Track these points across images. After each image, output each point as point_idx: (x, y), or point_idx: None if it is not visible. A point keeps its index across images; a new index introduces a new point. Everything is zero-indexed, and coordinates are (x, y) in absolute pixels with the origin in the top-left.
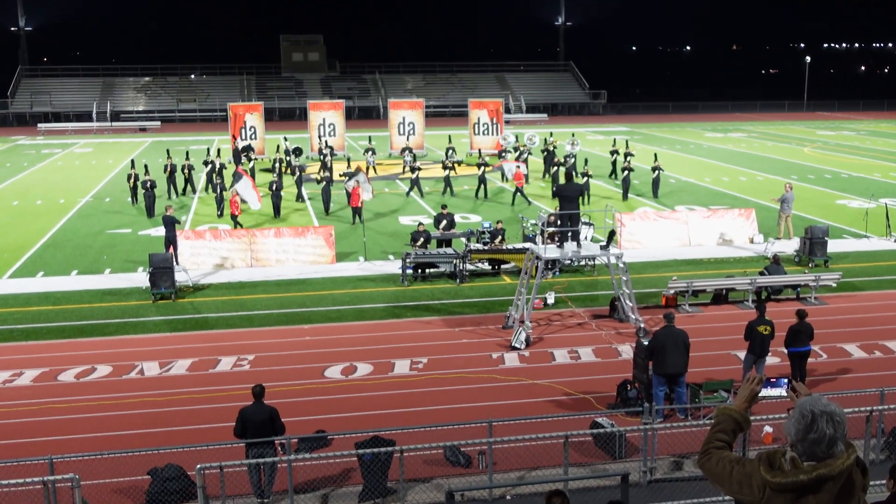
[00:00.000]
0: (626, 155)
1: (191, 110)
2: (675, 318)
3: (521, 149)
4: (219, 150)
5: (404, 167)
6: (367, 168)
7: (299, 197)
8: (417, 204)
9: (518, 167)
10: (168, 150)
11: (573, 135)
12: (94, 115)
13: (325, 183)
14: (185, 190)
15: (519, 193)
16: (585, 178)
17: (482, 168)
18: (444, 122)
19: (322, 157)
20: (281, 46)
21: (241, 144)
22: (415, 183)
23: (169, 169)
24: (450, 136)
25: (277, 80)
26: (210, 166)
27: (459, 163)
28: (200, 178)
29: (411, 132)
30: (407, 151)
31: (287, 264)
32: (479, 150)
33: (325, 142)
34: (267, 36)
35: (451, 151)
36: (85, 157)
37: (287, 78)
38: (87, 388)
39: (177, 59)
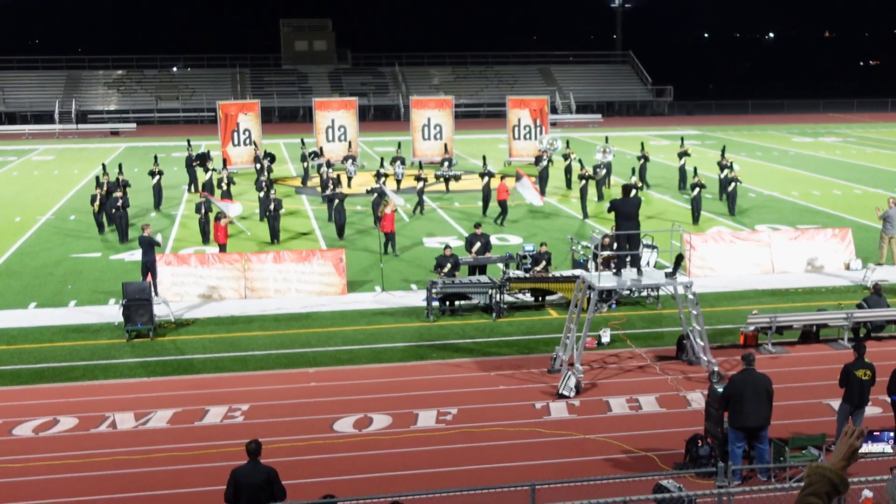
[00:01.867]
0: (716, 168)
1: (173, 110)
2: (755, 361)
3: (542, 156)
4: (224, 162)
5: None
6: (350, 180)
7: (332, 217)
8: (445, 222)
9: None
10: (104, 165)
11: (604, 141)
12: (56, 116)
13: (337, 201)
14: (99, 213)
15: (500, 209)
16: (634, 192)
17: (486, 178)
18: (477, 125)
19: (316, 166)
20: (281, 33)
21: (195, 151)
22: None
23: (106, 187)
24: (445, 146)
25: (277, 74)
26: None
27: (458, 177)
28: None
29: (438, 135)
30: (399, 162)
31: (289, 295)
32: (484, 157)
33: (320, 149)
34: (264, 21)
35: (447, 163)
36: (45, 167)
37: (288, 71)
38: (49, 445)
39: (156, 49)
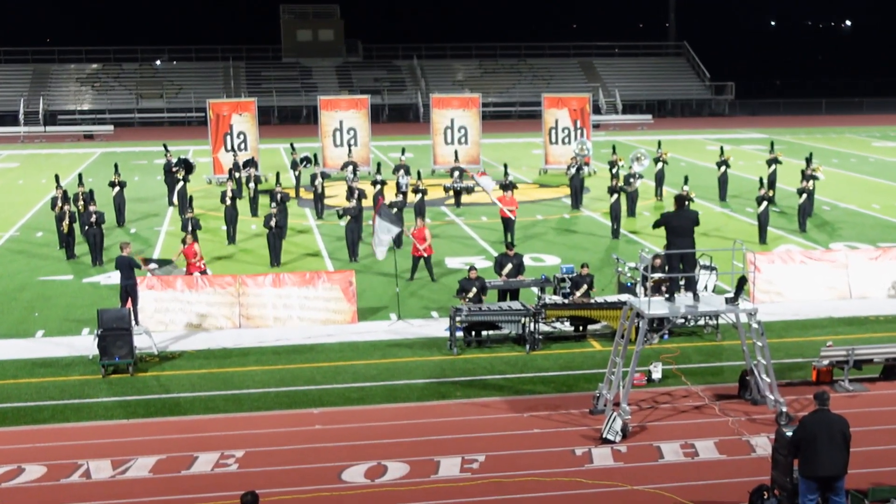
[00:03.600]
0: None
1: (156, 110)
2: (829, 400)
3: (571, 164)
4: (230, 172)
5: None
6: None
7: (356, 252)
8: (470, 239)
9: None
10: (57, 177)
11: (656, 146)
12: (20, 117)
13: (349, 218)
14: (69, 235)
15: (505, 228)
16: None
17: (508, 191)
18: (508, 127)
19: (310, 177)
20: (281, 21)
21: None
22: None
23: (59, 204)
24: (456, 152)
25: (276, 68)
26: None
27: (470, 189)
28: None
29: (462, 139)
30: (403, 171)
31: (290, 324)
32: (505, 166)
33: (314, 155)
34: (261, 7)
35: (457, 173)
36: (8, 175)
37: (290, 65)
38: (12, 497)
39: (136, 39)
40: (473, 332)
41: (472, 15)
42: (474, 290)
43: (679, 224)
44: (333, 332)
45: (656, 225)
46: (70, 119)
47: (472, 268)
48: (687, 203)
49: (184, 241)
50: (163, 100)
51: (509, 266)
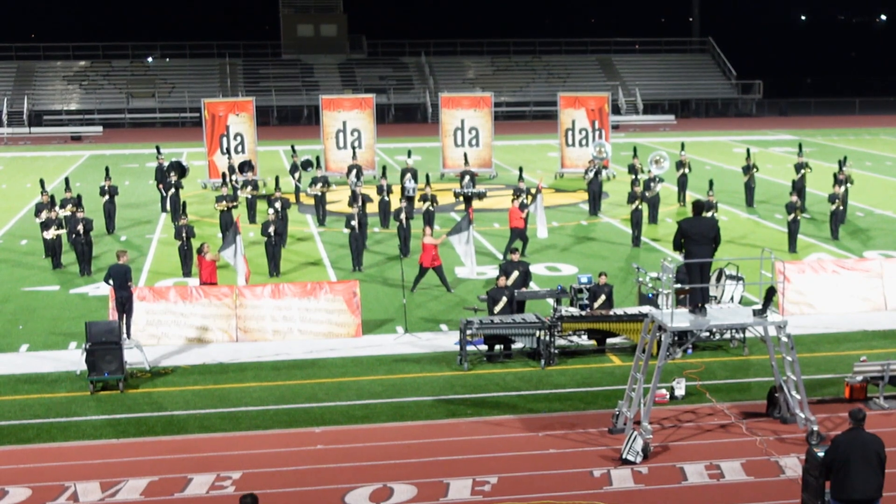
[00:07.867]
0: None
1: (148, 110)
2: (864, 418)
3: (589, 167)
4: (224, 174)
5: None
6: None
7: (360, 261)
8: (480, 247)
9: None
10: (42, 181)
11: (679, 148)
12: (3, 118)
13: (355, 224)
14: (56, 243)
15: (518, 239)
16: (711, 212)
17: (521, 195)
18: (522, 128)
19: (310, 181)
20: (281, 15)
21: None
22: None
23: (46, 210)
24: (465, 155)
25: (275, 66)
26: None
27: (481, 195)
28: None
29: (473, 141)
30: (409, 175)
31: (290, 337)
32: (521, 169)
33: (317, 158)
34: (260, 0)
35: (467, 178)
36: None
37: (290, 62)
38: None
39: (126, 35)
40: (488, 346)
41: (484, 9)
42: (504, 300)
43: (698, 231)
44: (336, 346)
45: (676, 239)
46: (56, 120)
47: (504, 272)
48: (713, 211)
49: (201, 251)
50: (155, 99)
51: (515, 274)
